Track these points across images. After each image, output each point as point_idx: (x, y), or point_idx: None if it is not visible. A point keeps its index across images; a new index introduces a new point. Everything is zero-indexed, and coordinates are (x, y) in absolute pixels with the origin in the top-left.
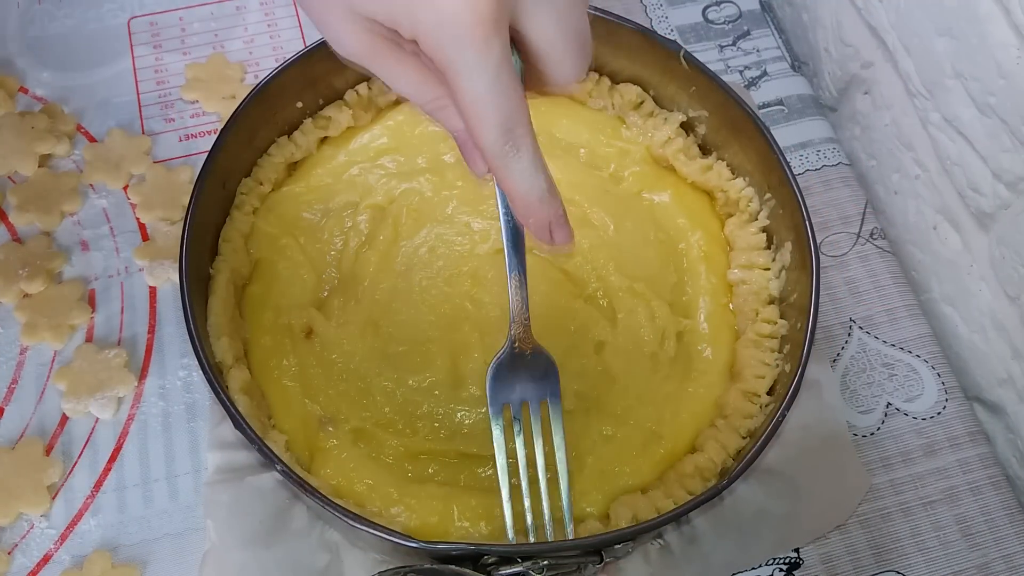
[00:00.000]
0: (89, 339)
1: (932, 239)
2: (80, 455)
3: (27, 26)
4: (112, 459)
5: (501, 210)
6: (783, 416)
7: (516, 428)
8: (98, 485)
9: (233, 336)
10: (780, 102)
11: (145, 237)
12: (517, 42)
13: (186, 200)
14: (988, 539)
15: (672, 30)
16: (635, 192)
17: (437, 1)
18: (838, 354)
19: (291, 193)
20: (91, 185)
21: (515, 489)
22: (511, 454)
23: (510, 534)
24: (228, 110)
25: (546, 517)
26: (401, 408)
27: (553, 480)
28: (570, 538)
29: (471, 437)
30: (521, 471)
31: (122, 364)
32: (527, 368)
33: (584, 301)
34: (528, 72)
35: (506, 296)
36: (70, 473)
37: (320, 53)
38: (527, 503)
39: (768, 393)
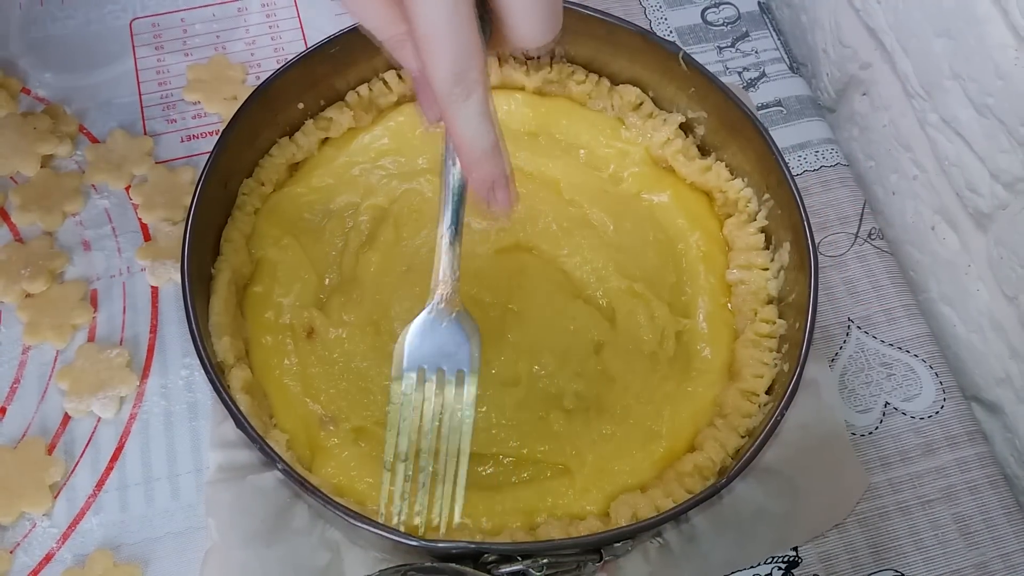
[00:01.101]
0: (91, 339)
1: (930, 239)
2: (82, 454)
3: (29, 27)
4: (114, 458)
5: (447, 162)
6: (782, 415)
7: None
8: (100, 484)
9: (234, 336)
10: (779, 103)
11: (147, 237)
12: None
13: (188, 200)
14: (986, 538)
15: (671, 32)
16: (634, 193)
17: None
18: (836, 354)
19: (292, 193)
20: (93, 185)
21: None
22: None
23: (381, 507)
24: (230, 111)
25: (438, 506)
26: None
27: (451, 461)
28: (444, 537)
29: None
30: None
31: (124, 364)
32: (450, 333)
33: (584, 301)
34: (494, 32)
35: (506, 296)
36: (72, 472)
37: (321, 54)
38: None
39: (767, 392)
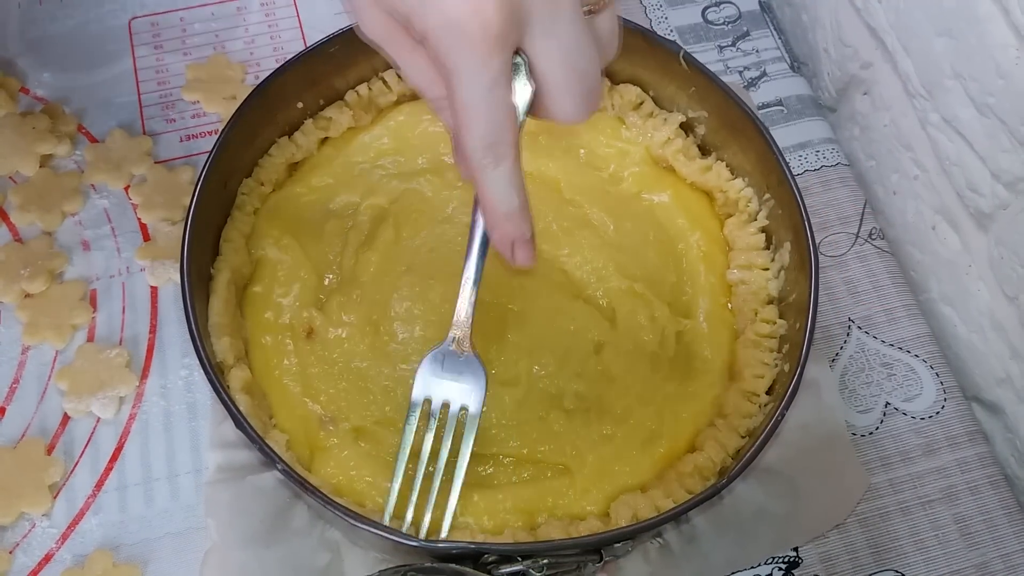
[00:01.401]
0: (90, 339)
1: (931, 239)
2: (81, 455)
3: (28, 26)
4: (113, 458)
5: (475, 215)
6: (782, 416)
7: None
8: (99, 484)
9: (234, 336)
10: (779, 102)
11: (146, 237)
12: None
13: (187, 200)
14: (986, 538)
15: (672, 31)
16: (635, 192)
17: (446, 6)
18: (837, 354)
19: (292, 193)
20: (92, 185)
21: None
22: (416, 446)
23: (387, 518)
24: (229, 110)
25: (427, 517)
26: (401, 407)
27: (447, 483)
28: (444, 538)
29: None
30: (421, 465)
31: (123, 364)
32: (458, 371)
33: (584, 301)
34: (536, 99)
35: (506, 296)
36: (71, 472)
37: (321, 54)
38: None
39: (767, 393)
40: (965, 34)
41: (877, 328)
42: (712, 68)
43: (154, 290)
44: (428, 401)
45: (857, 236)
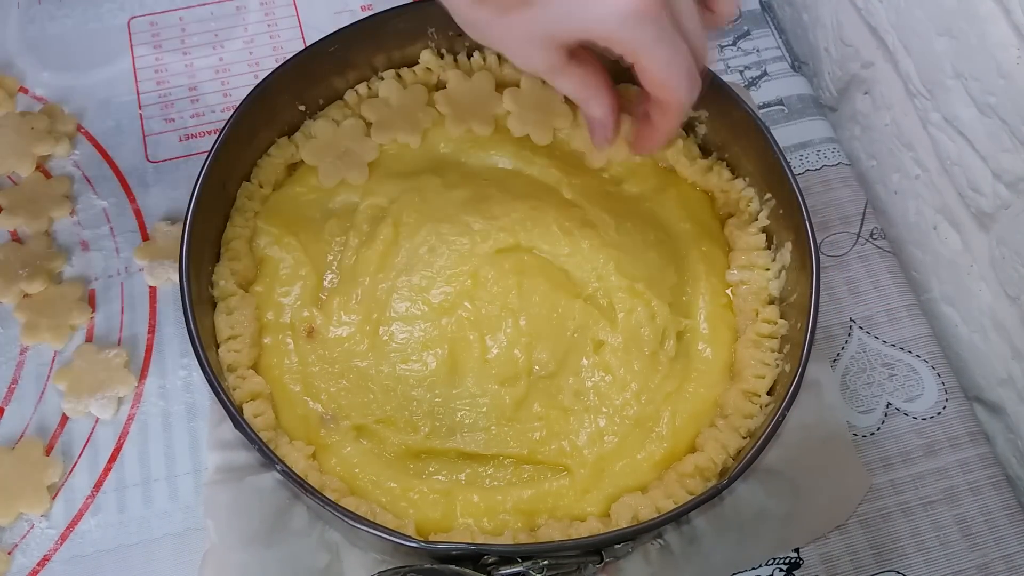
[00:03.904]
0: (89, 339)
1: (932, 239)
2: (80, 455)
3: (27, 26)
4: (112, 459)
5: None
6: (783, 416)
7: None
8: (98, 485)
9: (240, 339)
10: (780, 102)
11: (145, 237)
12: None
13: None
14: (988, 539)
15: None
16: (635, 193)
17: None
18: (838, 354)
19: (292, 193)
20: (91, 185)
21: None
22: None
23: None
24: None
25: None
26: (402, 406)
27: None
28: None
29: (471, 436)
30: None
31: (122, 364)
32: None
33: (584, 301)
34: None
35: (506, 296)
36: (70, 473)
37: (320, 53)
38: None
39: (768, 393)
40: (966, 33)
41: (878, 328)
42: (712, 68)
43: (153, 290)
44: None
45: (858, 236)
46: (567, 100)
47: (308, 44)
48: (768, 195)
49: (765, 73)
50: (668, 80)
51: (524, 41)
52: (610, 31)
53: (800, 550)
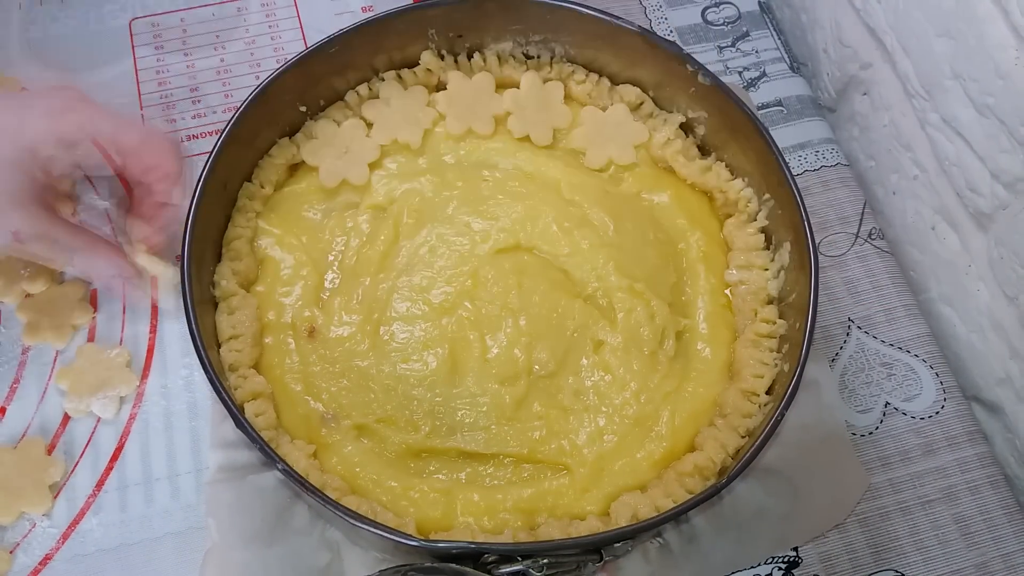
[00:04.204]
0: (91, 339)
1: (930, 239)
2: (82, 454)
3: (29, 27)
4: (114, 458)
5: None
6: (782, 415)
7: None
8: (100, 484)
9: (242, 339)
10: (779, 103)
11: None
12: None
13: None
14: (986, 538)
15: (671, 31)
16: (635, 193)
17: None
18: (837, 354)
19: (293, 193)
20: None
21: None
22: None
23: None
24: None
25: None
26: (402, 405)
27: None
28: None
29: (471, 436)
30: None
31: (124, 363)
32: None
33: (584, 301)
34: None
35: (506, 296)
36: (72, 472)
37: (321, 54)
38: None
39: (767, 392)
40: (964, 34)
41: (877, 328)
42: (712, 68)
43: (154, 290)
44: None
45: (857, 236)
46: (567, 100)
47: (309, 45)
48: (767, 195)
49: (764, 74)
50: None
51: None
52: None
53: (799, 549)
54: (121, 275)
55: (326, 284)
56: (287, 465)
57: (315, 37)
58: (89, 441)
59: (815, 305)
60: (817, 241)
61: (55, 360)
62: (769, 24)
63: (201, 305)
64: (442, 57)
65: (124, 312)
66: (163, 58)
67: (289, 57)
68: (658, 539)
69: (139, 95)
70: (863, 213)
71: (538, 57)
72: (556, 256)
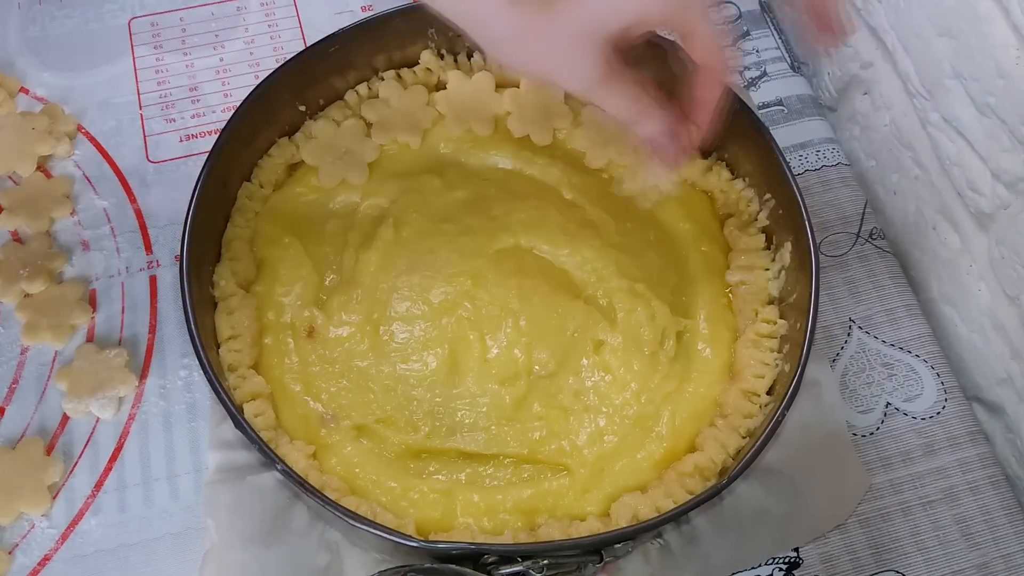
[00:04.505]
0: (90, 339)
1: (931, 239)
2: (81, 455)
3: (28, 26)
4: (113, 459)
5: None
6: (783, 416)
7: None
8: (99, 485)
9: (241, 339)
10: (780, 102)
11: (146, 237)
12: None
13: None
14: (987, 539)
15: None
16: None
17: None
18: (837, 354)
19: (292, 193)
20: (92, 185)
21: None
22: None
23: None
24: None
25: None
26: (402, 405)
27: None
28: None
29: (471, 436)
30: None
31: (123, 364)
32: None
33: (584, 301)
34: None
35: (506, 296)
36: (71, 473)
37: (321, 54)
38: None
39: (768, 393)
40: (965, 34)
41: (878, 328)
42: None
43: (154, 290)
44: None
45: (858, 236)
46: (567, 100)
47: (308, 44)
48: (767, 195)
49: (765, 73)
50: (719, 43)
51: (568, 45)
52: (663, 7)
53: (800, 550)
54: (668, 131)
55: (326, 284)
56: (286, 465)
57: (315, 37)
58: (88, 441)
59: (816, 305)
60: (818, 241)
61: (54, 360)
62: (770, 23)
63: (200, 305)
64: (442, 56)
65: (123, 313)
66: (162, 57)
67: (288, 56)
68: (659, 540)
69: (138, 94)
70: (864, 213)
71: None
72: (556, 256)
